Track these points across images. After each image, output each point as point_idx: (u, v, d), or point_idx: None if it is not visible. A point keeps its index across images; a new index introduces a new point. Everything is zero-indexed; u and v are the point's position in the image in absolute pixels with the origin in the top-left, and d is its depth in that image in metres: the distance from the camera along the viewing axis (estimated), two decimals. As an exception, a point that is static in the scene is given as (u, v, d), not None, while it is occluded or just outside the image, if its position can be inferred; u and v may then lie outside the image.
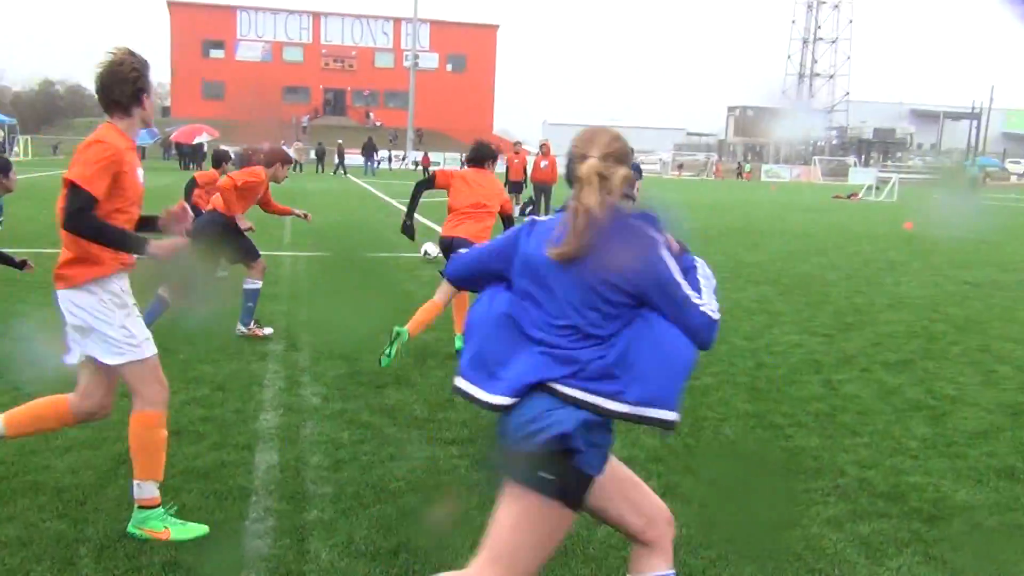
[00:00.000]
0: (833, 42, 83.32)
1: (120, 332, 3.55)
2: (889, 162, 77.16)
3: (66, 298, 3.56)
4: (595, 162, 2.45)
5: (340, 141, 49.80)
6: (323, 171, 46.33)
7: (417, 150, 58.58)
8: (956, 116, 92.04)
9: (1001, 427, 5.57)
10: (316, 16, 77.65)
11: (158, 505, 3.66)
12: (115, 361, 3.56)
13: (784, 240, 17.71)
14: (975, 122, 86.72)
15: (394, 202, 24.80)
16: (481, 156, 7.20)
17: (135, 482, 3.65)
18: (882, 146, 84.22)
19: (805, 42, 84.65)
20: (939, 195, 42.55)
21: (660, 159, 74.43)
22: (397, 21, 77.78)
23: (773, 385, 6.42)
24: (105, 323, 3.53)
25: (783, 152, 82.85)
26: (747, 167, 67.03)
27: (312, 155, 48.86)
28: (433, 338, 7.38)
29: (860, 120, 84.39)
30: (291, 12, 77.92)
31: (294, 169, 42.88)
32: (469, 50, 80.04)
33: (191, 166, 38.71)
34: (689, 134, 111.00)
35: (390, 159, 56.71)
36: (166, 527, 3.64)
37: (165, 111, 71.39)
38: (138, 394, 3.64)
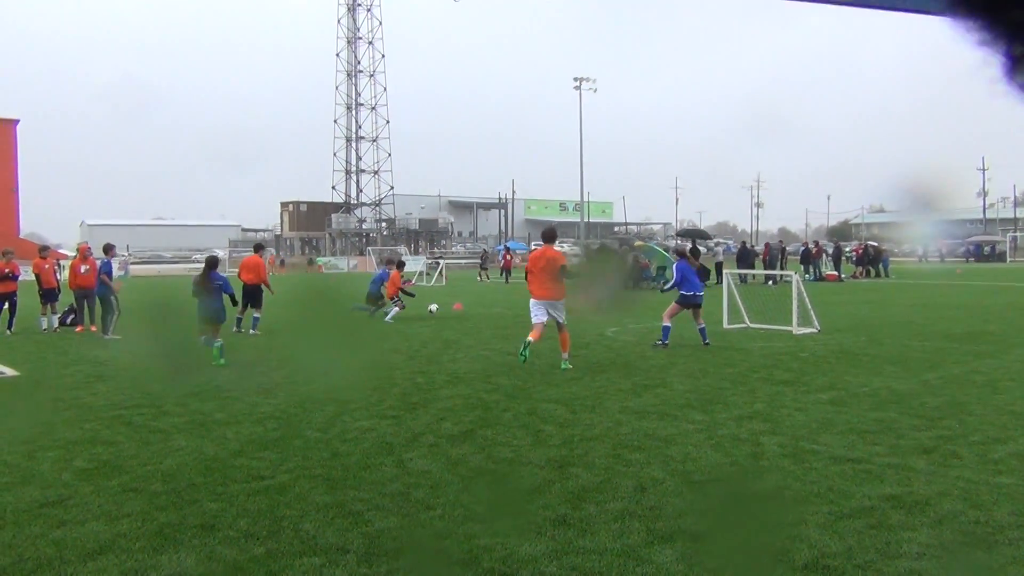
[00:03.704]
0: (374, 140, 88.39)
1: None
2: (436, 249, 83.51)
3: None
4: None
5: None
6: None
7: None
8: (487, 206, 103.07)
9: (552, 480, 6.19)
10: None
11: None
12: None
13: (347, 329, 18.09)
14: (503, 211, 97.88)
15: None
16: None
17: None
18: (428, 235, 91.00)
19: (348, 140, 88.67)
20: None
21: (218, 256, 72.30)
22: None
23: (349, 472, 6.47)
24: None
25: (339, 244, 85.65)
26: (320, 260, 67.71)
27: None
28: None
29: (407, 212, 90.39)
30: None
31: None
32: (-16, 147, 71.11)
33: None
34: (244, 230, 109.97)
35: None
36: None
37: None
38: None
